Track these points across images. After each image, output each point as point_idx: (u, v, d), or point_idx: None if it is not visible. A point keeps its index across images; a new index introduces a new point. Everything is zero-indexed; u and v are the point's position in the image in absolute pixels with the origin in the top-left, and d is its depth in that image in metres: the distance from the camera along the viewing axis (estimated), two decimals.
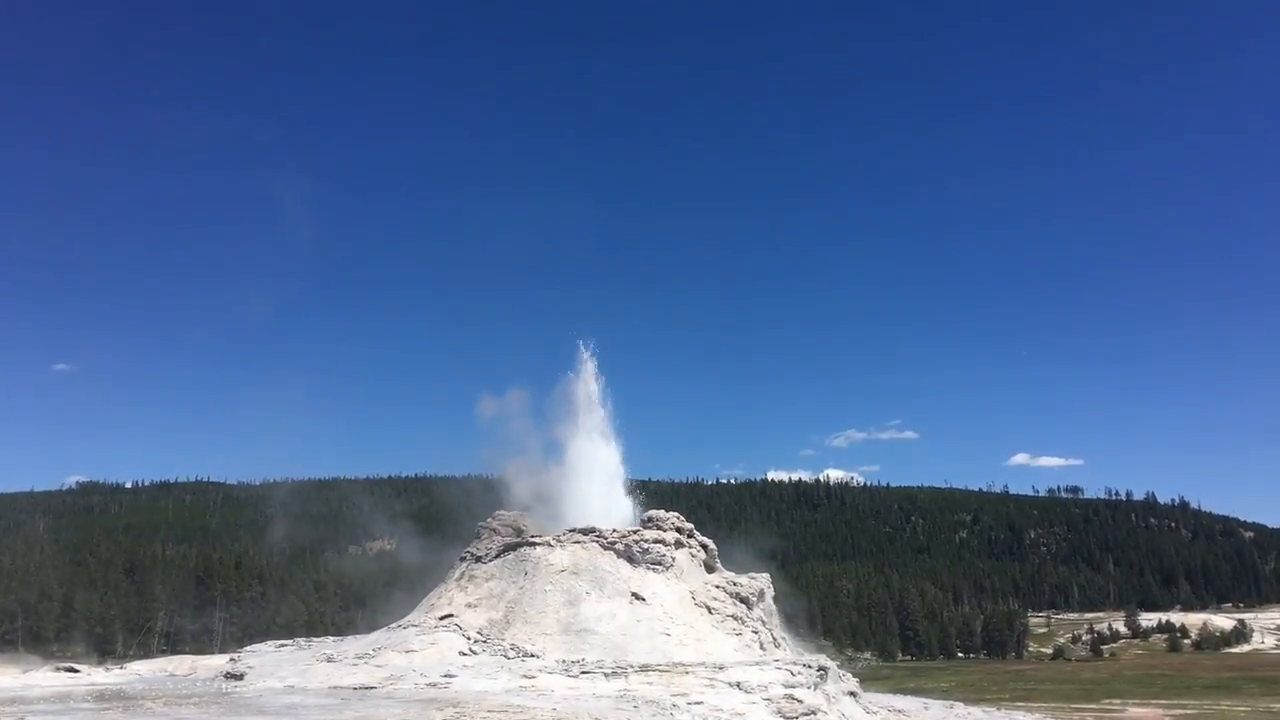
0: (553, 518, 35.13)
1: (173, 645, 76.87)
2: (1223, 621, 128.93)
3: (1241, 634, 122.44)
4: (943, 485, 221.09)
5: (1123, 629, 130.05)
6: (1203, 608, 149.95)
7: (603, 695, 21.35)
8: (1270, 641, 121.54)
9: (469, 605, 29.80)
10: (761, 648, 28.82)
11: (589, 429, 37.26)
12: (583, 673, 23.20)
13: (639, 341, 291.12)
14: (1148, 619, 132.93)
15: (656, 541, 30.79)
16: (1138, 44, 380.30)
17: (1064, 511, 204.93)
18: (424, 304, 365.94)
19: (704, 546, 32.83)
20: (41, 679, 29.27)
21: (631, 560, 30.24)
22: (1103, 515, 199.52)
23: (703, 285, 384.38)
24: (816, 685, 23.20)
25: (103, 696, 20.96)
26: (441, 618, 29.00)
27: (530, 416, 39.60)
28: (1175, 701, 56.15)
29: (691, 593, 30.14)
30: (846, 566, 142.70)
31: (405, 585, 42.59)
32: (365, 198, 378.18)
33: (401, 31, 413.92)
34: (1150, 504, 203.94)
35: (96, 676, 29.92)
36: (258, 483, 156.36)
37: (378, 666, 24.65)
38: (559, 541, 30.86)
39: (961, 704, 38.68)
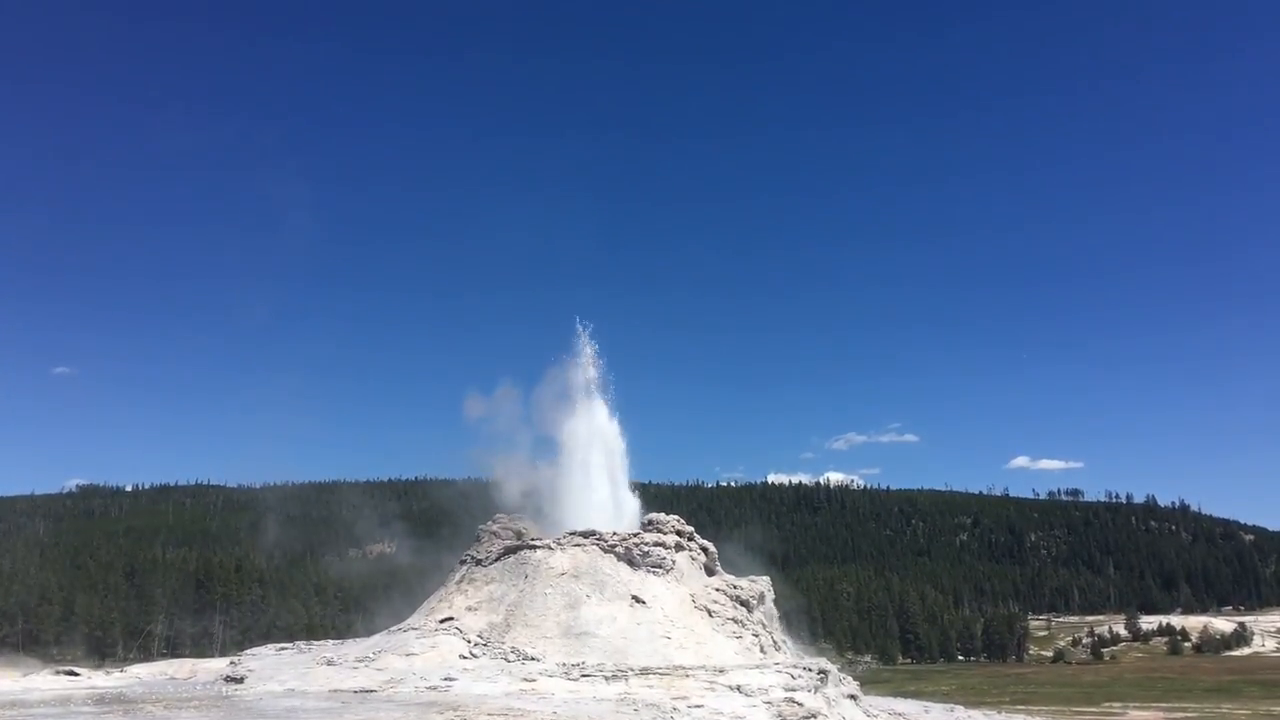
0: (548, 518, 34.96)
1: (173, 648, 76.98)
2: (1223, 624, 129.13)
3: (1242, 637, 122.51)
4: (943, 488, 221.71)
5: (1123, 632, 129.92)
6: (1203, 611, 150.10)
7: (603, 698, 21.35)
8: (1271, 644, 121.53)
9: (469, 608, 29.76)
10: (762, 651, 28.77)
11: (588, 416, 36.40)
12: (583, 676, 23.19)
13: (639, 342, 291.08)
14: (1148, 622, 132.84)
15: (657, 544, 30.72)
16: (1138, 44, 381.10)
17: (1064, 514, 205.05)
18: (424, 305, 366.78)
19: (704, 549, 32.75)
20: (41, 682, 29.27)
21: (632, 563, 30.20)
22: (1103, 518, 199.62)
23: (703, 286, 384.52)
24: (817, 688, 23.20)
25: (103, 700, 20.98)
26: (442, 621, 28.98)
27: (521, 409, 38.55)
28: (1176, 705, 56.23)
29: (692, 596, 30.10)
30: (847, 569, 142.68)
31: (405, 588, 42.47)
32: (365, 198, 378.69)
33: (401, 31, 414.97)
34: (1151, 507, 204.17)
35: (96, 680, 29.89)
36: (258, 486, 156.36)
37: (378, 670, 24.65)
38: (559, 544, 30.79)
39: (962, 707, 38.62)
